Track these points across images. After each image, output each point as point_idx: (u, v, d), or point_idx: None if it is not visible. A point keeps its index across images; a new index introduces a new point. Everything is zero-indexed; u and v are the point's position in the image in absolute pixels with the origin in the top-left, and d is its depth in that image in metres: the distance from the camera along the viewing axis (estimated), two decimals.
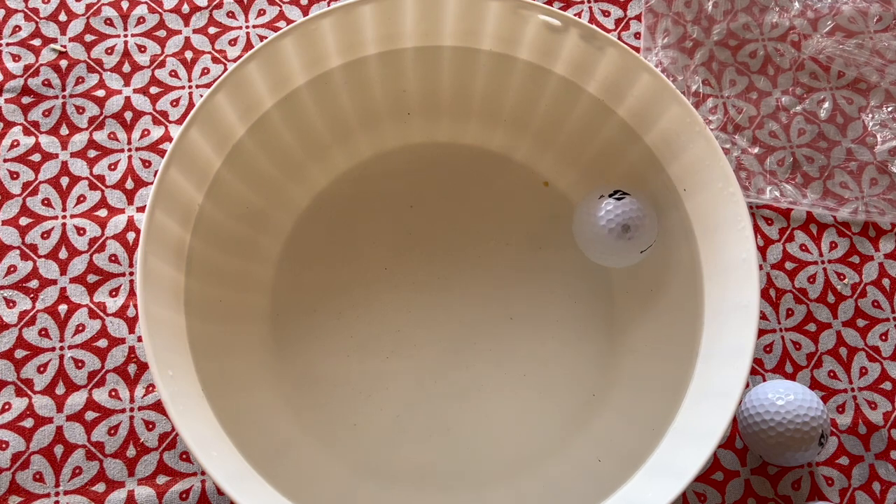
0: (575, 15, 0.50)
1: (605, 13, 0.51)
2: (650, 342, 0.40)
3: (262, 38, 0.49)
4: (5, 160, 0.45)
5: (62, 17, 0.49)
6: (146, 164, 0.46)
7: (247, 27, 0.49)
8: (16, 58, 0.48)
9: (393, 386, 0.41)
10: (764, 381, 0.43)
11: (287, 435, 0.39)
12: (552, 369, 0.41)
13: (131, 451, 0.40)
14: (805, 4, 0.51)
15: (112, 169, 0.46)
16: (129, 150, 0.46)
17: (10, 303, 0.43)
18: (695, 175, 0.39)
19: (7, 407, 0.41)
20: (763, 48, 0.50)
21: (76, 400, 0.41)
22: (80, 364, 0.42)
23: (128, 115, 0.47)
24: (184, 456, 0.41)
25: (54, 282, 0.43)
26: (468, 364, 0.41)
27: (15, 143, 0.46)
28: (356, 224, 0.43)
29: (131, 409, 0.41)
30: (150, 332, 0.34)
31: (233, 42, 0.49)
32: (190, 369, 0.36)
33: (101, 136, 0.46)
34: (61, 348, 0.42)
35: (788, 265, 0.45)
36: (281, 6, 0.50)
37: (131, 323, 0.43)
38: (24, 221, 0.44)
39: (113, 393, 0.41)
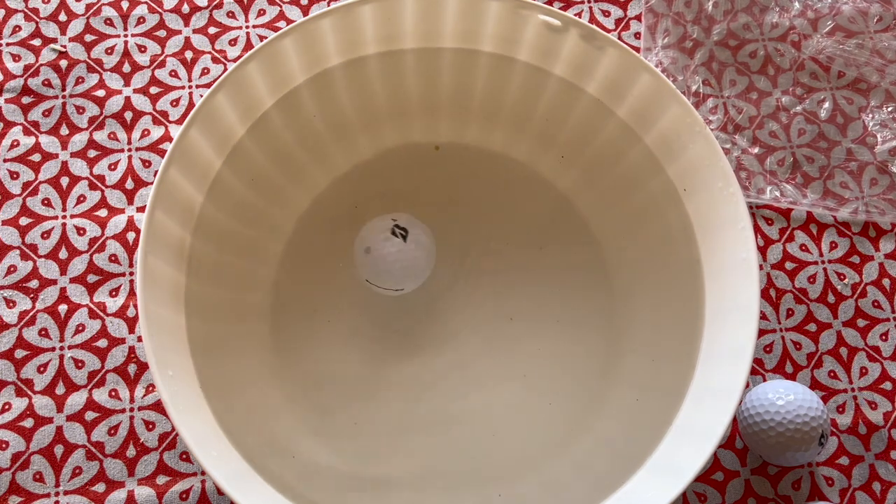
0: (575, 15, 0.50)
1: (605, 13, 0.51)
2: (650, 342, 0.40)
3: (262, 38, 0.49)
4: (5, 160, 0.45)
5: (62, 17, 0.49)
6: (146, 164, 0.46)
7: (247, 27, 0.49)
8: (16, 58, 0.48)
9: (393, 386, 0.41)
10: (764, 381, 0.43)
11: (287, 435, 0.39)
12: (552, 369, 0.41)
13: (131, 451, 0.40)
14: (805, 4, 0.51)
15: (112, 169, 0.46)
16: (129, 150, 0.46)
17: (10, 303, 0.43)
18: (695, 175, 0.39)
19: (7, 407, 0.41)
20: (763, 48, 0.50)
21: (76, 400, 0.41)
22: (80, 364, 0.42)
23: (128, 115, 0.47)
24: (184, 456, 0.41)
25: (54, 282, 0.43)
26: (468, 364, 0.41)
27: (15, 143, 0.46)
28: (356, 224, 0.43)
29: (131, 409, 0.41)
30: (150, 332, 0.34)
31: (233, 42, 0.49)
32: (190, 369, 0.36)
33: (101, 136, 0.46)
34: (61, 348, 0.42)
35: (788, 265, 0.45)
36: (281, 6, 0.50)
37: (131, 323, 0.43)
38: (24, 221, 0.44)
39: (113, 393, 0.41)
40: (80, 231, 0.44)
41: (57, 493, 0.40)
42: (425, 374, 0.41)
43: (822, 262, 0.45)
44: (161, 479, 0.40)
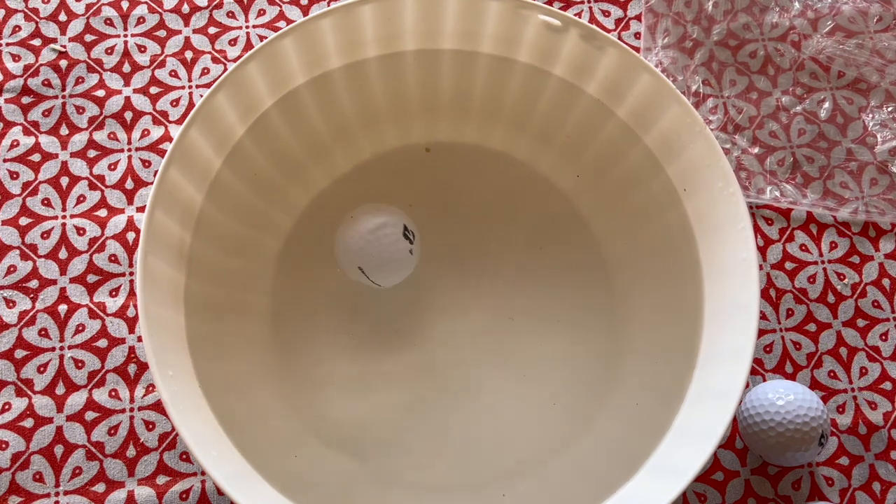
0: (575, 15, 0.50)
1: (605, 13, 0.51)
2: (650, 342, 0.40)
3: (262, 38, 0.49)
4: (5, 160, 0.45)
5: (62, 17, 0.49)
6: (146, 164, 0.46)
7: (247, 27, 0.49)
8: (16, 58, 0.48)
9: (393, 386, 0.41)
10: (764, 381, 0.43)
11: (287, 434, 0.39)
12: (552, 369, 0.41)
13: (131, 451, 0.40)
14: (805, 4, 0.51)
15: (112, 169, 0.46)
16: (129, 150, 0.46)
17: (10, 303, 0.43)
18: (695, 175, 0.39)
19: (7, 407, 0.41)
20: (763, 48, 0.50)
21: (76, 400, 0.41)
22: (80, 364, 0.42)
23: (128, 115, 0.47)
24: (184, 456, 0.41)
25: (54, 282, 0.43)
26: (468, 364, 0.41)
27: (15, 143, 0.46)
28: None
29: (131, 409, 0.41)
30: (150, 332, 0.34)
31: (233, 42, 0.49)
32: (190, 369, 0.36)
33: (101, 136, 0.46)
34: (61, 348, 0.42)
35: (788, 265, 0.45)
36: (281, 6, 0.50)
37: (131, 323, 0.43)
38: (24, 221, 0.44)
39: (113, 393, 0.41)
40: (80, 231, 0.44)
41: (57, 494, 0.40)
42: (425, 374, 0.41)
43: (822, 262, 0.45)
44: (161, 479, 0.40)
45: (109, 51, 0.48)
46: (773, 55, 0.50)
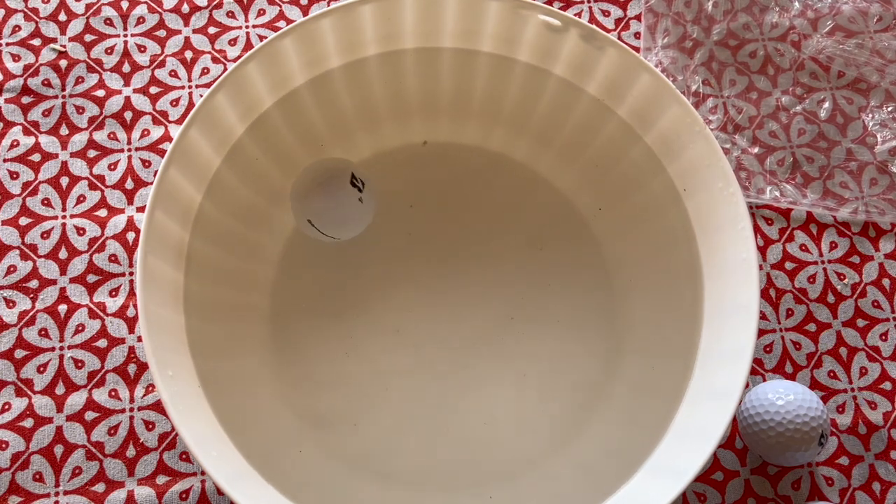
0: (575, 15, 0.50)
1: (605, 13, 0.51)
2: (650, 342, 0.40)
3: (261, 38, 0.49)
4: (5, 160, 0.45)
5: (62, 16, 0.49)
6: (146, 164, 0.46)
7: (246, 27, 0.49)
8: (16, 58, 0.48)
9: (393, 386, 0.41)
10: (764, 381, 0.43)
11: (287, 435, 0.39)
12: (552, 369, 0.41)
13: (131, 451, 0.40)
14: (805, 4, 0.51)
15: (112, 169, 0.46)
16: (129, 150, 0.46)
17: (10, 303, 0.43)
18: (695, 175, 0.39)
19: (7, 407, 0.41)
20: (763, 48, 0.50)
21: (76, 400, 0.41)
22: (79, 364, 0.42)
23: (128, 115, 0.47)
24: (184, 456, 0.41)
25: (54, 282, 0.43)
26: (468, 364, 0.41)
27: (15, 143, 0.46)
28: None
29: (131, 409, 0.41)
30: (150, 332, 0.34)
31: (233, 42, 0.49)
32: (190, 369, 0.36)
33: (100, 136, 0.46)
34: (61, 348, 0.42)
35: (788, 265, 0.45)
36: (281, 6, 0.50)
37: (131, 323, 0.43)
38: (24, 221, 0.44)
39: (113, 393, 0.41)
40: (80, 231, 0.44)
41: (57, 493, 0.40)
42: (425, 374, 0.41)
43: (822, 262, 0.45)
44: (161, 479, 0.40)
45: (109, 51, 0.48)
46: (773, 55, 0.50)
